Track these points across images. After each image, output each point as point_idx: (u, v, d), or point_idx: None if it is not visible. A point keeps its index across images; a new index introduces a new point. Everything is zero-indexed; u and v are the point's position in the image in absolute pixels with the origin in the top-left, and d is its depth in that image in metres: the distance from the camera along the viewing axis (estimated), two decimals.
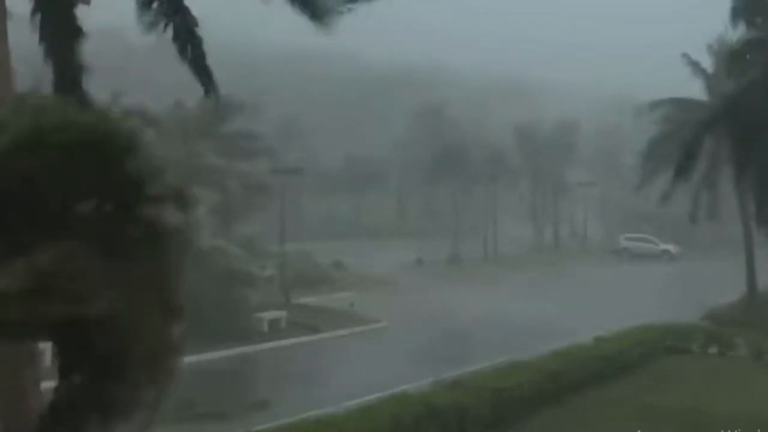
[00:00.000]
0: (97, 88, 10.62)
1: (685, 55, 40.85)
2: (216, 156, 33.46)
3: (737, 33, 29.22)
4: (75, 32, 10.05)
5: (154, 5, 10.91)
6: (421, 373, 22.35)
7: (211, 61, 12.14)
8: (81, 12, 10.28)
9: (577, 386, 20.57)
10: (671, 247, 64.91)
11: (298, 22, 10.19)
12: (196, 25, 11.19)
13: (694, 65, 40.50)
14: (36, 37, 10.07)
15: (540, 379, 19.67)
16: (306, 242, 47.34)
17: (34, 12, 9.97)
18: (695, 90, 40.99)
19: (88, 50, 10.49)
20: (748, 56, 28.46)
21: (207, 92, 11.53)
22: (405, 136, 73.89)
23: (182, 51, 11.24)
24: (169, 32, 11.32)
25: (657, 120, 42.90)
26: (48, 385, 3.46)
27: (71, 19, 10.00)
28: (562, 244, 72.75)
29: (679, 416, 18.55)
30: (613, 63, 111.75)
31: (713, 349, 26.88)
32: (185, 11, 11.08)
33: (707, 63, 40.57)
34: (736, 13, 27.66)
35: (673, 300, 39.49)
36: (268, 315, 31.51)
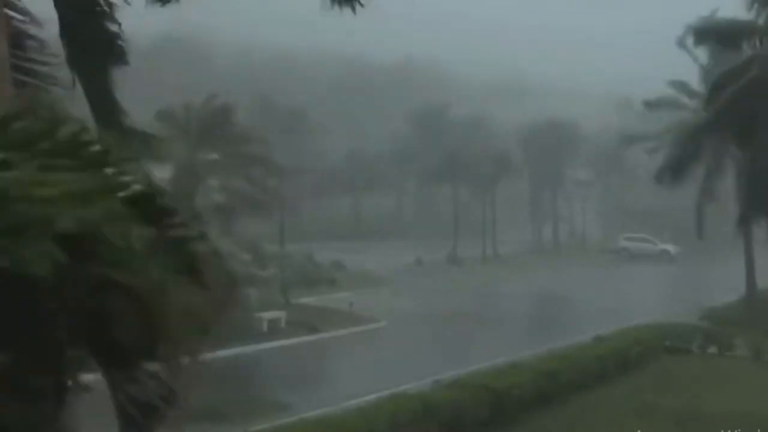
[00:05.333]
0: None
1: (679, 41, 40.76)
2: (218, 155, 33.50)
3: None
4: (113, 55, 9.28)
5: None
6: (421, 373, 22.36)
7: (214, 60, 12.03)
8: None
9: (576, 386, 20.58)
10: (670, 247, 64.92)
11: (298, 22, 10.18)
12: None
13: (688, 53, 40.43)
14: None
15: (539, 378, 19.67)
16: (306, 242, 47.33)
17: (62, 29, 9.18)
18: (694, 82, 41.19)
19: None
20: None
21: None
22: (405, 136, 73.90)
23: None
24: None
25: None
26: None
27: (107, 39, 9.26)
28: (562, 244, 72.77)
29: (679, 416, 18.56)
30: (613, 62, 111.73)
31: (712, 349, 26.90)
32: None
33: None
34: None
35: (672, 300, 39.51)
36: (268, 315, 31.50)
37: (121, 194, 2.42)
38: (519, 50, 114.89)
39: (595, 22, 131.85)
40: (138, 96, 10.42)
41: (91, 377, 2.70)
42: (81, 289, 2.29)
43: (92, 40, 9.05)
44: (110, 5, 9.07)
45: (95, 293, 2.32)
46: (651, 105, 44.54)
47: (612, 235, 71.70)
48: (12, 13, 7.51)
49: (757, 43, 28.61)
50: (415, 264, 54.88)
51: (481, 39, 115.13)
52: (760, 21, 28.37)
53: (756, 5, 28.13)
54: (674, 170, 32.25)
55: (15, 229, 2.23)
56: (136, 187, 2.45)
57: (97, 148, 2.55)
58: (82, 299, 2.31)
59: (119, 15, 9.42)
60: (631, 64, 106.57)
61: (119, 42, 9.29)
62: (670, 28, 39.58)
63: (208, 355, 2.89)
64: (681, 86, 42.06)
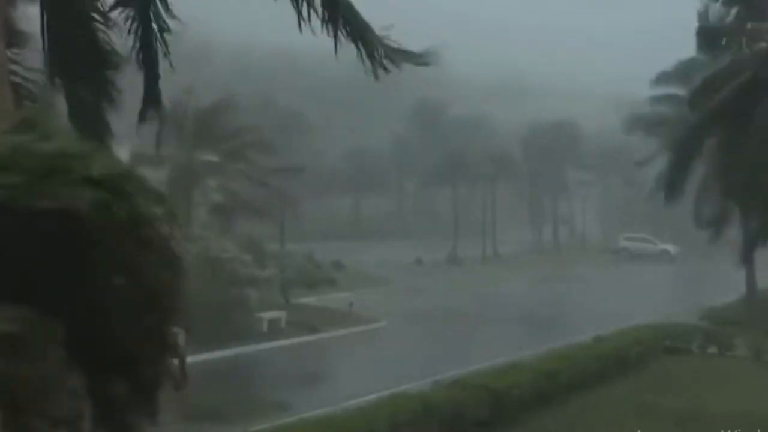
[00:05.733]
0: None
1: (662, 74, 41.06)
2: (217, 155, 33.50)
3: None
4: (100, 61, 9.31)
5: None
6: (421, 373, 22.36)
7: (213, 60, 12.03)
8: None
9: (576, 386, 20.58)
10: (670, 248, 64.92)
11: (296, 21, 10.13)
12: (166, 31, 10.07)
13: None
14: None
15: (539, 378, 19.67)
16: (306, 242, 47.33)
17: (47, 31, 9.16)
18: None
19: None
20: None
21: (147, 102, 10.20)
22: (405, 136, 73.93)
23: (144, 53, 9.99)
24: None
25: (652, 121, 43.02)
26: None
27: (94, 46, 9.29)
28: (562, 244, 72.76)
29: (679, 416, 18.55)
30: (613, 62, 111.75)
31: (712, 349, 26.89)
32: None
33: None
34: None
35: (672, 300, 39.49)
36: (268, 315, 31.49)
37: None
38: (519, 50, 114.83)
39: (595, 22, 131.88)
40: (137, 96, 10.39)
41: None
42: (118, 227, 2.33)
43: (81, 52, 9.04)
44: (104, 16, 9.07)
45: (129, 235, 2.36)
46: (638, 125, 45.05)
47: (612, 235, 71.71)
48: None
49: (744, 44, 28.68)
50: (415, 264, 54.89)
51: (481, 39, 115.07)
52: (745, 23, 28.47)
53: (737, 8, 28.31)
54: (670, 184, 32.30)
55: (50, 172, 2.31)
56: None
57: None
58: (119, 240, 2.35)
59: (119, 15, 9.41)
60: (631, 64, 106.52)
61: (111, 53, 9.28)
62: (670, 28, 39.58)
63: (207, 355, 2.89)
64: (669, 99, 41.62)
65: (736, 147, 27.32)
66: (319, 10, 9.33)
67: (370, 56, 9.53)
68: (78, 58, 9.06)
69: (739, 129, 26.89)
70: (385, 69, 9.73)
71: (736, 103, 26.69)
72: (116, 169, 2.38)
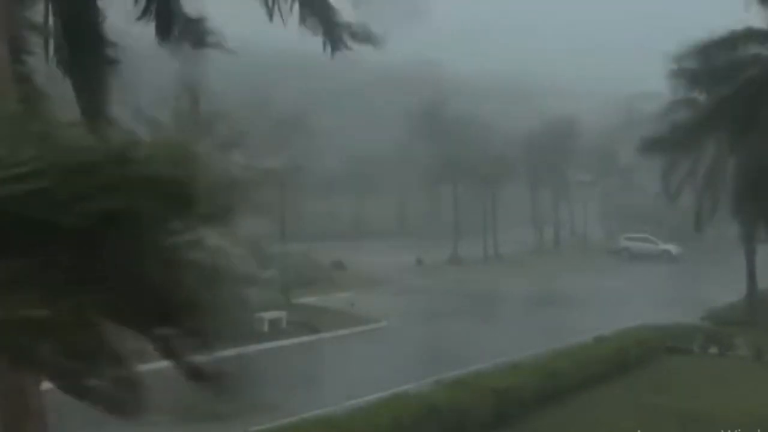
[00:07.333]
0: None
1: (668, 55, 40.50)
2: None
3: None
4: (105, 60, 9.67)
5: None
6: (422, 373, 22.35)
7: (212, 60, 12.08)
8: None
9: (577, 386, 20.57)
10: (671, 248, 64.86)
11: (298, 22, 10.18)
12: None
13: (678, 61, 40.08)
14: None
15: (540, 379, 19.67)
16: (306, 242, 47.31)
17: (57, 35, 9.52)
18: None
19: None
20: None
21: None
22: (405, 136, 73.84)
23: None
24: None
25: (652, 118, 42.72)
26: (48, 385, 3.44)
27: (100, 45, 9.59)
28: (563, 244, 72.71)
29: (679, 416, 18.54)
30: (613, 62, 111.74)
31: (713, 349, 26.88)
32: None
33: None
34: None
35: (673, 300, 39.47)
36: (268, 315, 31.47)
37: None
38: (519, 50, 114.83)
39: (595, 21, 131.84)
40: (138, 96, 10.40)
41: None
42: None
43: (85, 42, 9.21)
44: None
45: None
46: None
47: (613, 235, 71.66)
48: None
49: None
50: (415, 264, 54.86)
51: (481, 39, 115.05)
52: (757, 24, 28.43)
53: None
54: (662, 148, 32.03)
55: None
56: None
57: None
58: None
59: (119, 16, 9.47)
60: (632, 63, 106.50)
61: (110, 45, 9.44)
62: (671, 27, 39.56)
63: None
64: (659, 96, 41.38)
65: (739, 147, 27.30)
66: None
67: (328, 33, 10.27)
68: (82, 48, 9.23)
69: (743, 129, 26.88)
70: (346, 46, 10.52)
71: (741, 102, 26.66)
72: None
